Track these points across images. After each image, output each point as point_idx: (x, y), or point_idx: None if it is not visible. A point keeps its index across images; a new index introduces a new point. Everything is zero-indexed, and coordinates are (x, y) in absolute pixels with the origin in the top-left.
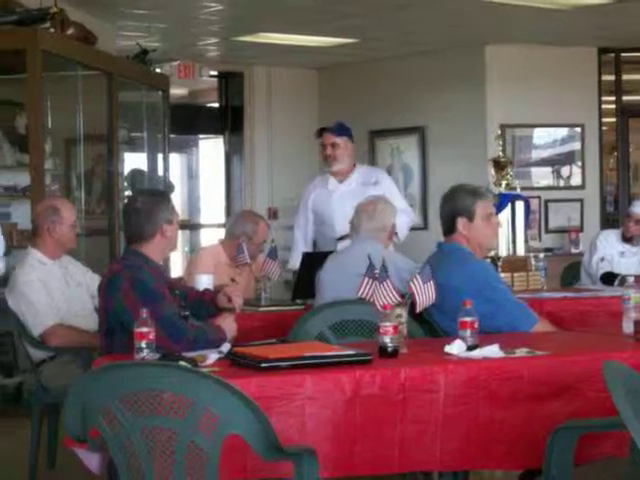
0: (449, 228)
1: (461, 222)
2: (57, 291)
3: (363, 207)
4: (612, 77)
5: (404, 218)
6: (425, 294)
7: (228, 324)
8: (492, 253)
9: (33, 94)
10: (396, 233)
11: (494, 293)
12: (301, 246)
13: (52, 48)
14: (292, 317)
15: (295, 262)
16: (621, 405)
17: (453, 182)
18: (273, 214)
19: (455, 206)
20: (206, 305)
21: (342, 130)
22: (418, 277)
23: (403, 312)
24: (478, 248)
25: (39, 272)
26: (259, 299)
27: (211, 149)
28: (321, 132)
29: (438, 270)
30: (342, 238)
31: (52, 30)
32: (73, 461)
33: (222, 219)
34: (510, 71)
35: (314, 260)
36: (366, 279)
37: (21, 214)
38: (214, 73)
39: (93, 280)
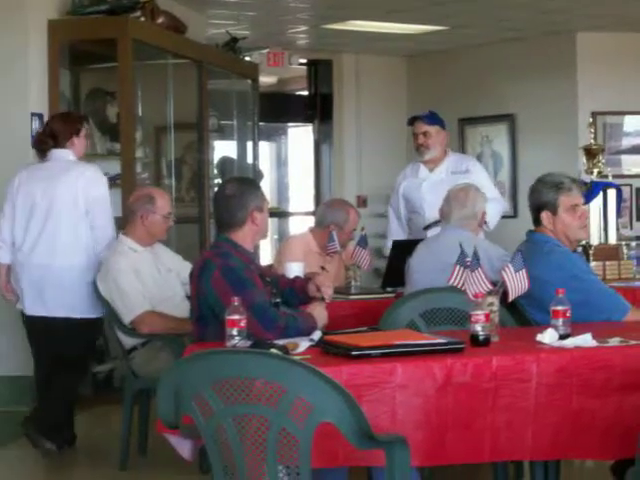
0: (536, 220)
1: (545, 215)
2: (149, 278)
3: (454, 194)
4: None
5: (495, 206)
6: (517, 283)
7: (319, 312)
8: (583, 242)
9: (124, 83)
10: (486, 222)
11: (582, 283)
12: (395, 232)
13: (143, 37)
14: (383, 305)
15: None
16: None
17: (543, 170)
18: (362, 202)
19: (538, 199)
20: (297, 293)
21: (434, 118)
22: (510, 266)
23: (495, 300)
24: (566, 240)
25: (130, 259)
26: (349, 287)
27: (300, 137)
28: (413, 121)
29: (527, 260)
30: (428, 227)
31: (142, 19)
32: (164, 447)
33: (311, 207)
34: (601, 58)
35: (404, 248)
36: (458, 267)
37: (112, 202)
38: (303, 61)
39: (184, 267)
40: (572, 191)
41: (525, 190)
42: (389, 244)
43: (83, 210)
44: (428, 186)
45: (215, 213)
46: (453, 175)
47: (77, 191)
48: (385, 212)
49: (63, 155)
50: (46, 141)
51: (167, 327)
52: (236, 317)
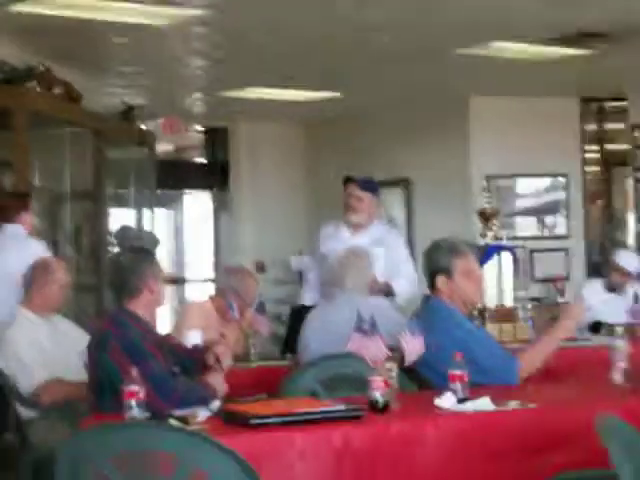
0: (432, 284)
1: (440, 280)
2: (46, 348)
3: (349, 259)
4: (595, 126)
5: (407, 285)
6: (413, 347)
7: (217, 381)
8: (479, 305)
9: (20, 152)
10: (393, 294)
11: (475, 349)
12: (312, 288)
13: (39, 107)
14: (282, 372)
15: (307, 299)
16: (617, 460)
17: (439, 234)
18: (261, 268)
19: (433, 264)
20: (195, 362)
21: (368, 185)
22: (406, 330)
23: (393, 366)
24: (462, 304)
25: (27, 330)
26: (249, 354)
27: (199, 204)
28: (347, 181)
29: (423, 325)
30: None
31: (38, 89)
32: None
33: (210, 274)
34: (492, 122)
35: (305, 315)
36: (355, 333)
37: None
38: (200, 129)
39: (82, 338)
40: (467, 255)
41: (420, 254)
42: (306, 297)
43: None
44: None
45: (111, 283)
46: (375, 244)
47: (25, 263)
48: (283, 278)
49: (14, 230)
50: None
51: (68, 394)
52: (134, 388)
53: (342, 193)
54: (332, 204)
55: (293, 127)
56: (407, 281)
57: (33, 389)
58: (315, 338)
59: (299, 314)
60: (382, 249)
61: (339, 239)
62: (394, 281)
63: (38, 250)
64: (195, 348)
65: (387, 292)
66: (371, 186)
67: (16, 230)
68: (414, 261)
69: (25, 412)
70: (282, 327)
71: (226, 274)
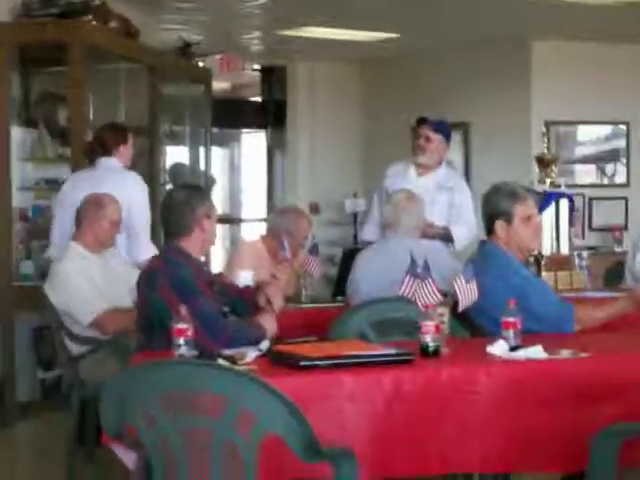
0: (489, 229)
1: (500, 225)
2: (98, 284)
3: (401, 203)
4: None
5: (467, 232)
6: (467, 293)
7: (268, 322)
8: (535, 253)
9: (75, 87)
10: (453, 240)
11: (530, 296)
12: (372, 225)
13: (95, 41)
14: (333, 314)
15: (366, 233)
16: None
17: (496, 179)
18: (315, 209)
19: (493, 208)
20: (246, 302)
21: (441, 127)
22: (461, 276)
23: (445, 311)
24: (518, 250)
25: (78, 264)
26: (300, 296)
27: (254, 143)
28: (420, 122)
29: (478, 270)
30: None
31: (94, 23)
32: (113, 456)
33: (263, 214)
34: (555, 67)
35: (356, 256)
36: (408, 277)
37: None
38: (257, 67)
39: (132, 274)
40: (527, 201)
41: (478, 199)
42: (366, 232)
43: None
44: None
45: (163, 220)
46: (438, 189)
47: (119, 197)
48: (337, 220)
49: (110, 163)
50: (95, 149)
51: (129, 323)
52: (183, 326)
53: (413, 133)
54: (387, 146)
55: (351, 67)
56: (467, 227)
57: (93, 319)
58: (366, 280)
59: (351, 256)
60: (446, 193)
61: (406, 179)
62: (454, 226)
63: (133, 183)
64: (246, 288)
65: (445, 237)
66: (443, 128)
67: (111, 164)
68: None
69: (75, 348)
70: (334, 269)
71: (279, 214)
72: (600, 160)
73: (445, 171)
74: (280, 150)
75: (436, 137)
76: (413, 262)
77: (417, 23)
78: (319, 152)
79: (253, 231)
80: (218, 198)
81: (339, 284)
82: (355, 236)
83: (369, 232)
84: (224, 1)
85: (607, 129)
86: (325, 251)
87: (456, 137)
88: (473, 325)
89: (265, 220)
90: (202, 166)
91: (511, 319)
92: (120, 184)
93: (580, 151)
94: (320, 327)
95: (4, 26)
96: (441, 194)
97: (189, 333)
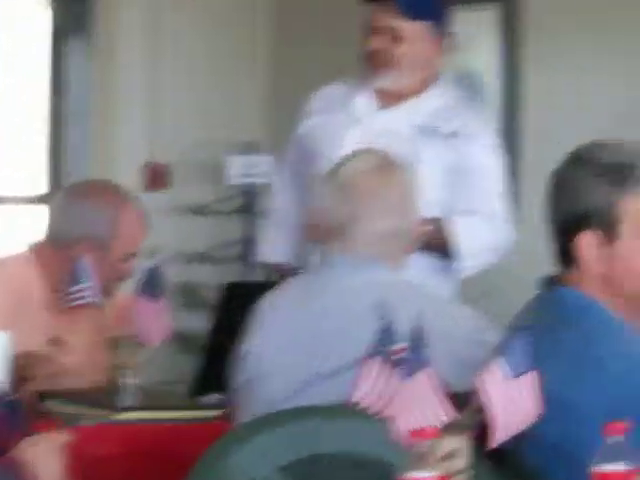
0: (563, 250)
1: (587, 241)
2: None
3: (363, 184)
4: None
5: (482, 231)
6: (514, 404)
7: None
8: None
9: None
10: (455, 254)
11: None
12: (276, 234)
13: None
14: (196, 440)
15: (268, 254)
16: None
17: (582, 118)
18: (158, 180)
19: (574, 205)
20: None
21: (418, 5)
22: (499, 362)
23: (461, 445)
24: (629, 300)
25: None
26: (117, 391)
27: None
28: None
29: (541, 348)
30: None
31: None
32: None
33: (40, 190)
34: None
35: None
36: (373, 360)
37: None
38: None
39: None
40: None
41: (533, 169)
42: (273, 244)
43: None
44: (362, 136)
45: None
46: (424, 133)
47: None
48: (212, 207)
49: None
50: None
51: None
52: None
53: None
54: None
55: None
56: (488, 223)
57: None
58: (277, 362)
59: (240, 300)
60: (441, 143)
61: (353, 116)
62: (460, 218)
63: None
64: None
65: (438, 245)
66: (424, 7)
67: None
68: (514, 184)
69: None
70: (201, 328)
71: (75, 197)
72: None
73: (443, 97)
74: (78, 40)
75: (410, 26)
76: (386, 325)
77: None
78: (168, 55)
79: (12, 235)
80: None
81: (211, 367)
82: (249, 250)
83: (280, 245)
84: None
85: None
86: (181, 286)
87: (486, 20)
88: (523, 469)
89: (43, 206)
90: None
91: (620, 465)
92: None
93: None
94: (166, 469)
95: None
96: (431, 145)
97: None
